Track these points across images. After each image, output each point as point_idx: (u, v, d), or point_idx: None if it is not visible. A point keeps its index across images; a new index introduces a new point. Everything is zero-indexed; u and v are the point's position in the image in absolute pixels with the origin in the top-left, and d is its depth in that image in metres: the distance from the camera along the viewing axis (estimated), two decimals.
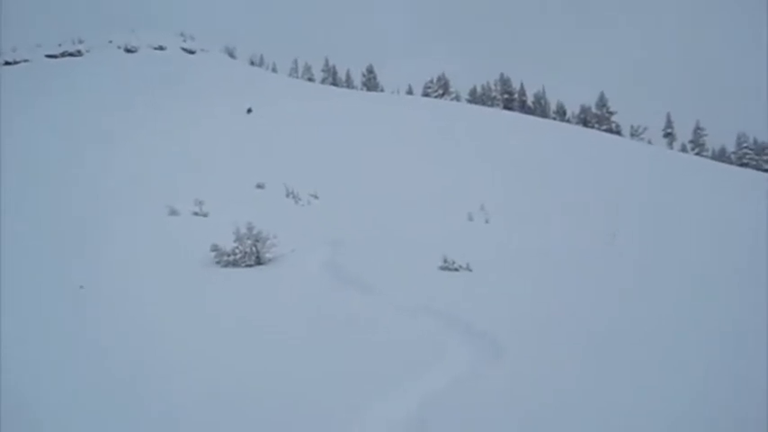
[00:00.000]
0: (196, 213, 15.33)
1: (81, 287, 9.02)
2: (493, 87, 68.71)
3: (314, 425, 4.92)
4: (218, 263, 11.19)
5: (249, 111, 34.13)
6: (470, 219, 17.40)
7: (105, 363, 6.20)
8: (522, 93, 68.84)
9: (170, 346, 6.73)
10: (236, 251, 11.28)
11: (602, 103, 64.37)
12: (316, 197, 19.15)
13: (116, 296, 8.78)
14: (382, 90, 67.27)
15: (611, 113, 63.91)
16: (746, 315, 7.72)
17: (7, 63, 48.60)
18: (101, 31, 56.65)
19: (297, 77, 68.22)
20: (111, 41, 53.81)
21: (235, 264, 11.17)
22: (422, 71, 73.48)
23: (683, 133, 66.44)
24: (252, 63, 69.03)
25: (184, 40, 58.15)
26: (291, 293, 9.28)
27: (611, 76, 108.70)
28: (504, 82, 68.82)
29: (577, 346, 6.54)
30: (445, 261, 10.55)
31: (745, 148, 61.73)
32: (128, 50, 52.61)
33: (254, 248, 11.36)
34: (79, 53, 51.95)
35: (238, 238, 11.30)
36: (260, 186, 19.61)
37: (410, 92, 70.69)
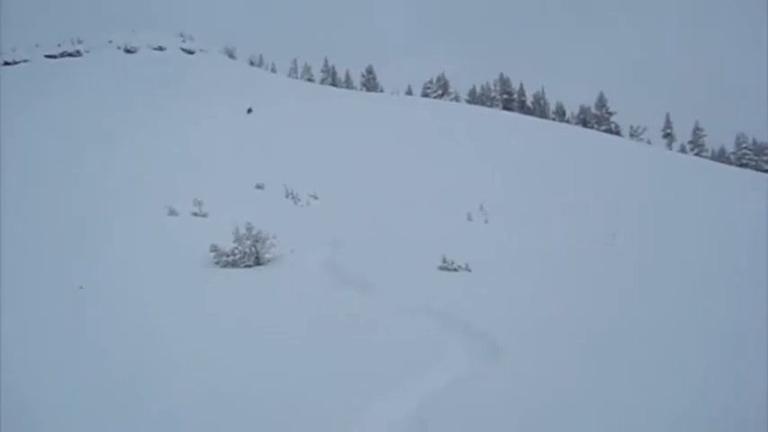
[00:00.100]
0: (195, 214, 15.32)
1: (80, 287, 9.02)
2: (492, 88, 68.73)
3: (314, 425, 4.91)
4: (217, 263, 11.18)
5: (249, 111, 34.15)
6: (470, 219, 17.39)
7: (105, 363, 6.19)
8: (522, 93, 68.86)
9: (170, 346, 6.73)
10: (236, 251, 11.27)
11: (601, 103, 64.39)
12: (315, 197, 19.15)
13: (116, 296, 8.77)
14: (382, 90, 67.24)
15: (610, 114, 63.92)
16: (746, 315, 7.72)
17: (6, 63, 48.59)
18: (100, 31, 56.68)
19: (296, 78, 68.20)
20: (110, 42, 53.80)
21: (234, 264, 11.16)
22: (421, 71, 73.60)
23: (683, 134, 66.57)
24: (251, 63, 69.02)
25: (184, 41, 58.16)
26: (291, 293, 9.27)
27: (611, 76, 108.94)
28: (504, 82, 68.85)
29: (577, 346, 6.54)
30: (444, 261, 10.55)
31: (745, 148, 61.77)
32: (127, 51, 52.60)
33: (253, 249, 11.35)
34: (78, 53, 51.93)
35: (238, 239, 11.29)
36: (259, 187, 19.61)
37: (409, 92, 70.68)
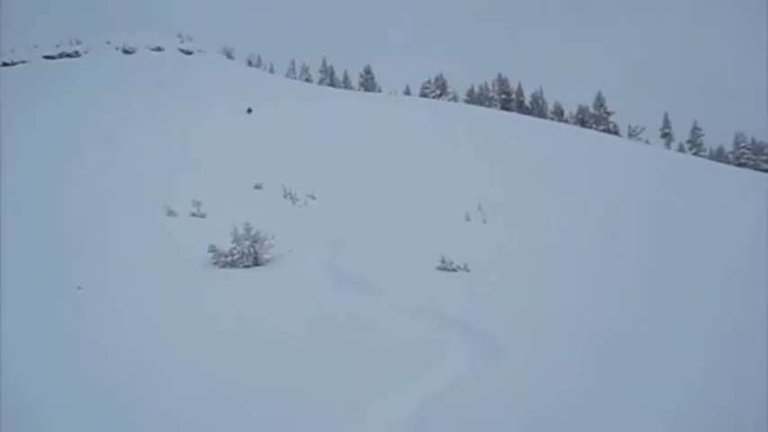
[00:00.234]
0: (194, 214, 15.33)
1: (79, 288, 9.02)
2: (490, 87, 68.71)
3: (314, 425, 4.91)
4: (215, 263, 11.18)
5: (249, 111, 34.16)
6: (469, 219, 17.39)
7: (105, 363, 6.19)
8: (520, 93, 68.84)
9: (170, 346, 6.72)
10: (234, 252, 11.27)
11: (599, 103, 64.37)
12: (314, 197, 19.14)
13: (116, 296, 8.77)
14: (380, 90, 67.21)
15: (608, 113, 63.87)
16: (746, 315, 7.72)
17: (5, 64, 48.47)
18: (98, 31, 56.58)
19: (294, 78, 68.14)
20: (108, 42, 53.67)
21: (233, 264, 11.16)
22: (420, 71, 73.59)
23: (681, 133, 66.56)
24: (249, 64, 68.94)
25: (182, 41, 58.07)
26: (291, 293, 9.27)
27: (609, 76, 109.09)
28: (502, 82, 68.83)
29: (577, 346, 6.54)
30: (444, 261, 10.55)
31: (743, 147, 61.77)
32: (125, 51, 52.48)
33: (251, 249, 11.34)
34: (77, 54, 51.82)
35: (236, 239, 11.29)
36: (258, 187, 19.61)
37: (408, 92, 70.65)
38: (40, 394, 5.49)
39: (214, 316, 7.96)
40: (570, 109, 66.27)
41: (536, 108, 66.04)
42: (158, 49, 54.12)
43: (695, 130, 66.07)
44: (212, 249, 11.22)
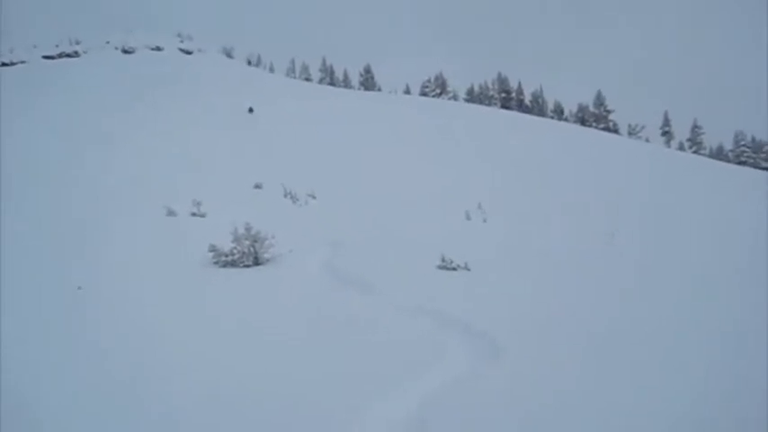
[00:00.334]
0: (194, 214, 15.33)
1: (78, 288, 9.02)
2: (490, 86, 68.68)
3: (314, 425, 4.91)
4: (216, 263, 11.18)
5: (251, 110, 34.15)
6: (470, 218, 17.39)
7: (105, 364, 6.19)
8: (520, 92, 68.80)
9: (170, 347, 6.72)
10: (234, 251, 11.27)
11: (599, 101, 64.31)
12: (314, 197, 19.14)
13: (116, 297, 8.77)
14: (380, 89, 67.20)
15: (608, 112, 63.82)
16: (746, 315, 7.72)
17: (4, 64, 48.46)
18: (98, 32, 56.58)
19: (294, 77, 68.12)
20: (108, 42, 53.69)
21: (233, 264, 11.16)
22: (419, 70, 73.54)
23: (681, 131, 66.50)
24: (249, 63, 68.90)
25: (181, 41, 58.09)
26: (291, 294, 9.27)
27: (610, 75, 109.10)
28: (502, 81, 68.78)
29: (577, 346, 6.54)
30: (443, 260, 10.54)
31: (743, 146, 61.72)
32: (125, 51, 52.49)
33: (251, 249, 11.34)
34: (76, 54, 51.82)
35: (236, 239, 11.29)
36: (258, 186, 19.62)
37: (407, 91, 70.61)
38: (40, 394, 5.49)
39: (214, 317, 7.95)
40: (570, 107, 66.29)
41: (536, 107, 65.99)
42: (158, 48, 54.13)
43: (695, 128, 66.00)
44: (212, 249, 11.22)
